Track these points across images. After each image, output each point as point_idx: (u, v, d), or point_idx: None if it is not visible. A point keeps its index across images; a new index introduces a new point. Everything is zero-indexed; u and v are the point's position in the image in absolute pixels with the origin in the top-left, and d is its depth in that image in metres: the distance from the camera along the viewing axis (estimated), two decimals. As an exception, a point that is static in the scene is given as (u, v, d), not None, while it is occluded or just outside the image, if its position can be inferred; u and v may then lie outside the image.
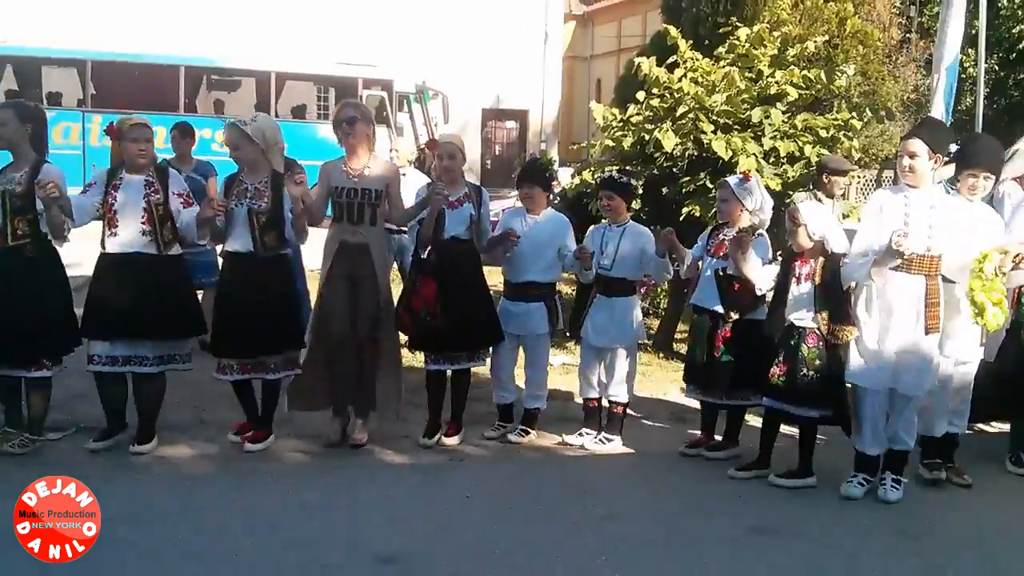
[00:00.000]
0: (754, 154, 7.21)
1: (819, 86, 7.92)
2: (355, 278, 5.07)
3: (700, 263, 5.13)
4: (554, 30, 27.30)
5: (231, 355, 5.06)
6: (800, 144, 7.38)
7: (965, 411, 4.93)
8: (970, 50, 12.27)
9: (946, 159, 4.67)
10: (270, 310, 4.97)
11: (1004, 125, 16.88)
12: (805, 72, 8.00)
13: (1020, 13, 18.63)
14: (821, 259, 4.55)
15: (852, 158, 7.08)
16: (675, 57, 8.14)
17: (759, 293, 4.86)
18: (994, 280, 4.28)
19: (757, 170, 7.18)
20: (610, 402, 5.44)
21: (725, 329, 4.91)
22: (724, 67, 7.84)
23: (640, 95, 8.12)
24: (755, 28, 8.18)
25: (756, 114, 7.54)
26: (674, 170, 7.63)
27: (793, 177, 7.42)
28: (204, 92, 18.34)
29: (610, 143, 8.16)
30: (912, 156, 4.41)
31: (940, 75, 6.52)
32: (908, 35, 15.44)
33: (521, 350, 5.55)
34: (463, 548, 3.99)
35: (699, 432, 5.34)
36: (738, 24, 8.36)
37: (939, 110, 6.63)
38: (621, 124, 8.12)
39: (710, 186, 7.55)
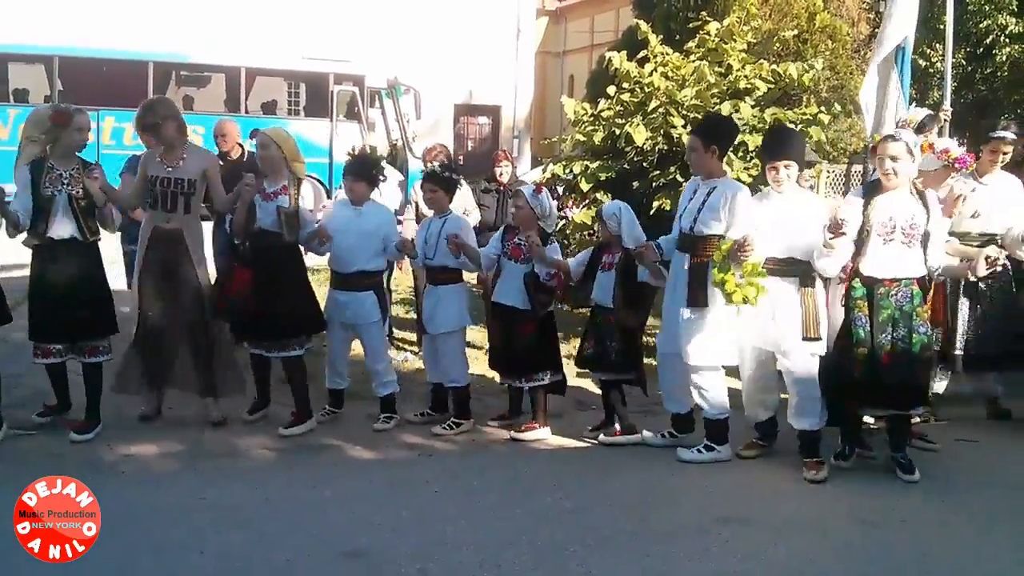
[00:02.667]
0: (723, 147, 7.23)
1: (788, 80, 7.97)
2: (169, 264, 5.25)
3: (498, 261, 5.49)
4: (526, 26, 27.27)
5: (51, 340, 5.13)
6: (769, 138, 7.42)
7: (808, 406, 4.83)
8: (937, 45, 12.40)
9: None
10: (91, 296, 5.10)
11: (972, 119, 17.05)
12: (774, 67, 8.05)
13: (987, 8, 18.79)
14: (623, 250, 5.16)
15: (821, 151, 7.13)
16: (646, 52, 8.16)
17: (571, 283, 5.42)
18: (724, 266, 4.60)
19: (727, 163, 7.23)
20: (451, 388, 5.60)
21: (528, 325, 5.32)
22: (694, 62, 7.87)
23: (611, 90, 8.14)
24: (725, 22, 8.22)
25: (726, 108, 7.57)
26: (644, 164, 7.65)
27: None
28: (173, 88, 18.13)
29: (581, 137, 8.17)
30: (691, 150, 4.96)
31: (879, 61, 6.60)
32: (877, 30, 15.52)
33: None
34: (430, 542, 3.98)
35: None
36: (708, 19, 8.39)
37: (870, 100, 6.70)
38: (592, 119, 8.14)
39: (681, 180, 7.58)
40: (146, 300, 5.30)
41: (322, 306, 5.62)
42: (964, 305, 5.58)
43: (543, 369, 5.39)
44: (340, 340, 5.63)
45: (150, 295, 5.28)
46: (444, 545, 3.96)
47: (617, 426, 5.37)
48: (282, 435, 5.29)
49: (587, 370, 5.49)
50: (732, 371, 5.14)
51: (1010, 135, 5.50)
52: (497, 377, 5.79)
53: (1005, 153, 5.56)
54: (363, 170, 5.53)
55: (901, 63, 6.70)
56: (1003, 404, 5.98)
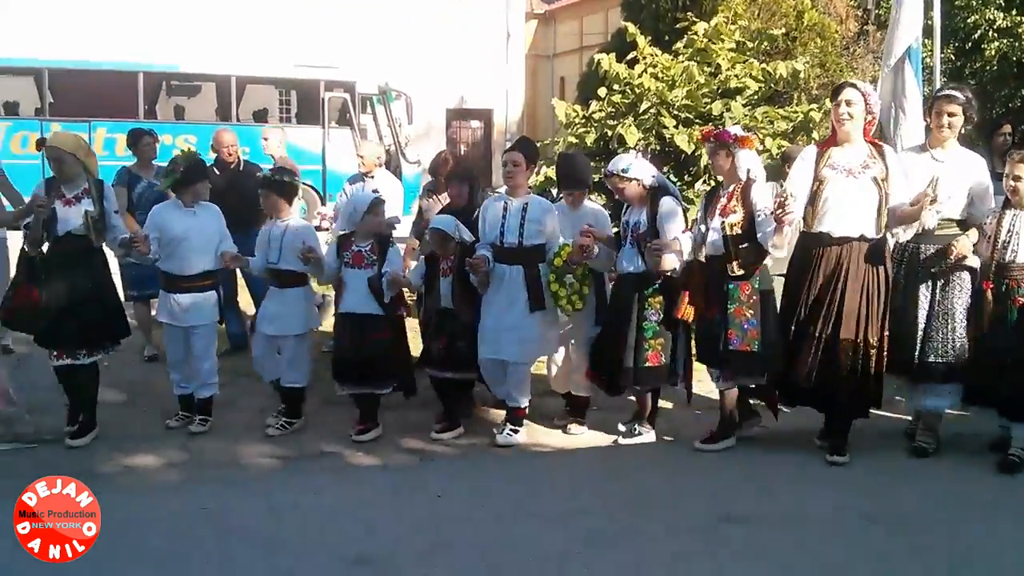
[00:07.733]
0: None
1: (778, 79, 8.01)
2: None
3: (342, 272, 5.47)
4: (516, 29, 27.30)
5: None
6: (761, 136, 7.45)
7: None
8: (926, 40, 12.46)
9: None
10: None
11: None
12: (764, 66, 8.09)
13: (975, 3, 18.90)
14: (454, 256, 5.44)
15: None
16: (635, 53, 8.20)
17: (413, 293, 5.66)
18: (562, 270, 5.21)
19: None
20: (290, 388, 5.58)
21: (381, 332, 5.38)
22: (683, 62, 7.90)
23: (602, 91, 8.17)
24: (712, 23, 8.26)
25: (717, 107, 7.61)
26: (638, 165, 7.65)
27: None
28: (164, 98, 18.13)
29: (573, 139, 8.20)
30: (514, 164, 5.35)
31: (891, 63, 6.60)
32: (865, 27, 15.59)
33: None
34: (435, 547, 3.99)
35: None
36: (696, 19, 8.42)
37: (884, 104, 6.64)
38: (584, 120, 8.18)
39: (674, 179, 7.61)
40: None
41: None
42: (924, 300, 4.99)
43: (393, 377, 5.45)
44: (177, 344, 5.53)
45: None
46: (449, 550, 3.97)
47: (450, 424, 5.54)
48: (70, 446, 5.16)
49: (434, 369, 5.53)
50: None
51: (960, 95, 4.97)
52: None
53: (951, 115, 4.95)
54: (199, 173, 5.53)
55: (914, 64, 6.71)
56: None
